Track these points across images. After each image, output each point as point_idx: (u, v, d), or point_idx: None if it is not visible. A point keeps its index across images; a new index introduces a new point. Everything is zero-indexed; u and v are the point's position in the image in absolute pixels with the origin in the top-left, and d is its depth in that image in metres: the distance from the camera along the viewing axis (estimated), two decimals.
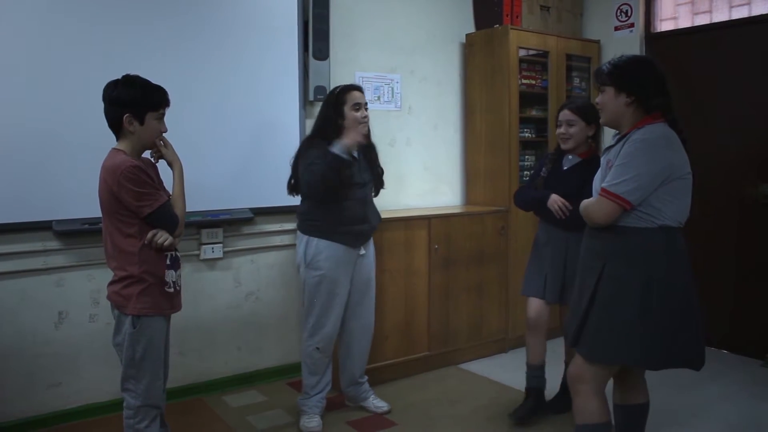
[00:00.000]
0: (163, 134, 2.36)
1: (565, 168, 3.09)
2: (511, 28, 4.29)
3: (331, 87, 3.76)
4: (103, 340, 3.14)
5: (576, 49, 4.71)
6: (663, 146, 2.14)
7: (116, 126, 2.27)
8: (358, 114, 3.02)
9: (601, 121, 2.37)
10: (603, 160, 2.32)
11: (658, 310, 2.12)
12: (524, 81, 4.45)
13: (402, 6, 4.30)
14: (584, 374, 2.27)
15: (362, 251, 3.17)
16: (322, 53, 3.76)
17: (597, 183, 2.29)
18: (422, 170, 4.46)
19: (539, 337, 3.16)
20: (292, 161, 3.10)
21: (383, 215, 3.39)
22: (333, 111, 3.02)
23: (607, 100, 2.26)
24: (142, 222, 2.23)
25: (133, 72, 2.31)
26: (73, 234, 3.13)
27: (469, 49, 4.57)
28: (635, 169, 2.11)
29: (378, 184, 3.23)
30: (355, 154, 3.09)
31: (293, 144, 3.60)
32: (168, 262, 2.31)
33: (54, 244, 3.13)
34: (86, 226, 3.10)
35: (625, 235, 2.18)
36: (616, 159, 2.19)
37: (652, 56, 4.52)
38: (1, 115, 2.93)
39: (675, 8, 4.62)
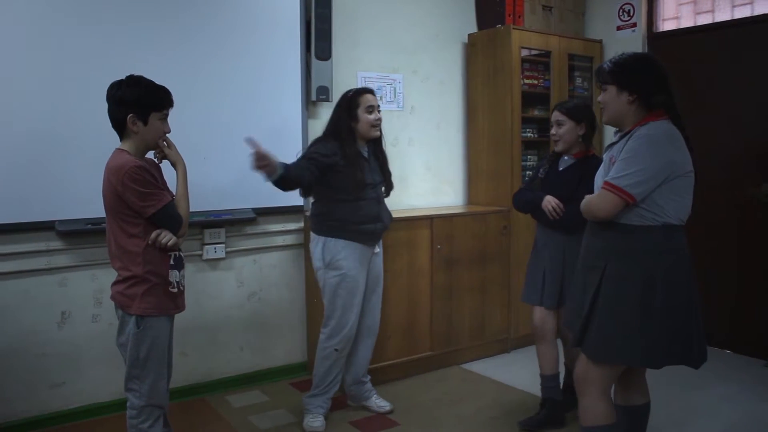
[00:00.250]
0: (167, 135, 2.36)
1: (560, 169, 3.08)
2: (514, 28, 4.29)
3: (334, 87, 3.80)
4: (106, 340, 3.15)
5: (578, 48, 4.71)
6: (666, 143, 2.13)
7: (120, 126, 2.27)
8: (371, 117, 3.06)
9: (603, 119, 2.37)
10: (606, 156, 2.31)
11: (660, 308, 2.12)
12: (526, 81, 4.45)
13: (404, 6, 4.30)
14: (590, 375, 2.26)
15: (377, 249, 3.21)
16: (325, 53, 3.76)
17: (599, 179, 2.28)
18: (424, 170, 4.47)
19: (547, 346, 3.10)
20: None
21: None
22: (346, 113, 3.05)
23: (609, 98, 2.25)
24: (146, 222, 2.23)
25: (135, 72, 2.31)
26: (76, 234, 3.14)
27: (472, 49, 4.57)
28: (639, 163, 2.11)
29: (388, 185, 3.24)
30: (366, 155, 3.11)
31: (296, 144, 3.62)
32: (172, 262, 2.31)
33: (57, 244, 3.13)
34: (89, 226, 3.11)
35: (627, 233, 2.17)
36: (619, 155, 2.19)
37: (654, 54, 4.52)
38: (4, 115, 2.93)
39: (677, 8, 4.61)
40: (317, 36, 3.73)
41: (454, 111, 4.61)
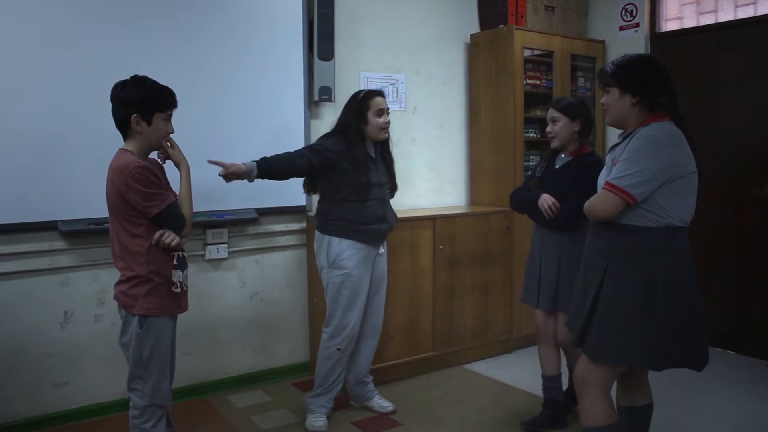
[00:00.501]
0: (170, 135, 2.36)
1: (557, 167, 3.06)
2: (516, 28, 4.28)
3: (336, 87, 3.80)
4: (109, 340, 3.15)
5: (581, 49, 4.70)
6: (668, 144, 2.13)
7: (124, 126, 2.27)
8: (381, 120, 3.07)
9: (606, 121, 2.37)
10: (608, 157, 2.31)
11: (661, 308, 2.12)
12: (529, 81, 4.45)
13: (407, 6, 4.29)
14: (591, 376, 2.26)
15: (381, 250, 3.21)
16: (327, 54, 3.76)
17: (602, 180, 2.28)
18: (427, 170, 4.46)
19: (549, 347, 3.10)
20: None
21: None
22: (356, 116, 3.05)
23: (612, 100, 2.25)
24: (149, 222, 2.24)
25: (137, 72, 2.31)
26: (79, 234, 3.14)
27: (474, 49, 4.57)
28: (640, 164, 2.10)
29: (392, 186, 3.25)
30: (373, 155, 3.11)
31: (298, 144, 3.62)
32: (175, 262, 2.31)
33: (60, 244, 3.14)
34: (92, 226, 3.11)
35: (629, 234, 2.17)
36: (621, 155, 2.19)
37: (656, 55, 4.51)
38: (7, 115, 2.93)
39: (680, 8, 4.61)
40: (320, 36, 3.73)
41: (456, 111, 4.61)
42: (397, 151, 4.18)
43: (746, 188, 4.11)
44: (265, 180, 2.93)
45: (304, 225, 3.87)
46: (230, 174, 2.75)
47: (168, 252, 2.29)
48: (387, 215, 3.16)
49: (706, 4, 4.45)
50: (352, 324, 3.12)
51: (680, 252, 2.17)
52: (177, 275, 2.32)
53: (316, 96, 3.77)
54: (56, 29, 3.04)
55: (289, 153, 2.93)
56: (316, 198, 3.31)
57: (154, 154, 2.39)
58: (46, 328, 3.13)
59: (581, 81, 4.79)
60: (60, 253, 3.15)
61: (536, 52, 4.54)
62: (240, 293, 3.71)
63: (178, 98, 2.35)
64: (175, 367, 2.48)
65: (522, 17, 4.48)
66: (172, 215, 2.25)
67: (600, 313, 2.20)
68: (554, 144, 3.03)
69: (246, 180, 2.82)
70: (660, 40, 4.67)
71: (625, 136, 2.24)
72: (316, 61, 3.74)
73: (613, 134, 4.58)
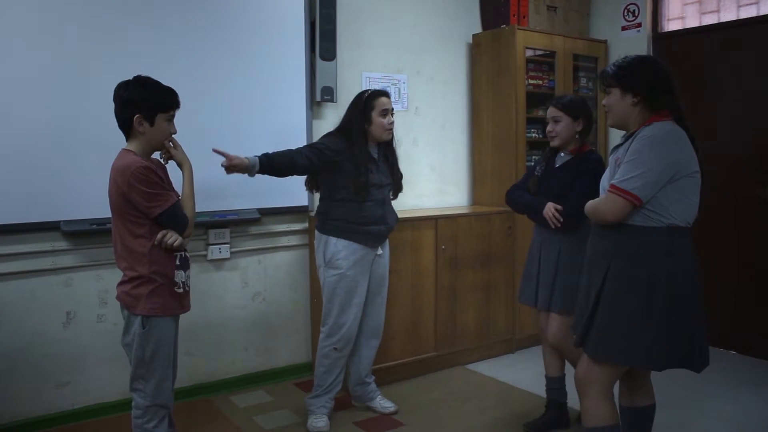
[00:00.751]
0: (173, 135, 2.36)
1: (557, 166, 3.03)
2: (518, 29, 4.28)
3: (338, 88, 3.80)
4: (111, 340, 3.15)
5: (583, 49, 4.70)
6: (670, 143, 2.14)
7: (126, 126, 2.28)
8: (385, 120, 3.07)
9: (608, 122, 2.37)
10: (611, 158, 2.31)
11: (662, 309, 2.12)
12: (531, 81, 4.45)
13: (409, 6, 4.29)
14: (591, 376, 2.26)
15: (380, 251, 3.20)
16: (329, 54, 3.76)
17: (605, 181, 2.28)
18: (429, 170, 4.46)
19: (550, 347, 3.08)
20: None
21: None
22: (360, 115, 3.05)
23: (614, 101, 2.26)
24: (152, 222, 2.24)
25: (138, 73, 2.32)
26: (81, 234, 3.14)
27: (476, 49, 4.56)
28: (644, 165, 2.11)
29: (397, 187, 3.24)
30: (375, 156, 3.11)
31: (301, 144, 3.61)
32: (177, 262, 2.31)
33: (62, 244, 3.14)
34: (94, 226, 3.11)
35: (631, 234, 2.17)
36: (624, 157, 2.19)
37: (658, 56, 4.51)
38: (9, 116, 2.93)
39: (682, 8, 4.60)
40: (322, 36, 3.73)
41: (458, 111, 4.61)
42: (399, 151, 4.17)
43: (749, 188, 4.11)
44: (268, 180, 2.94)
45: (306, 225, 3.87)
46: (232, 166, 2.73)
47: (171, 252, 2.29)
48: (386, 216, 3.15)
49: (708, 4, 4.44)
50: (348, 324, 3.11)
51: (682, 253, 2.17)
52: (179, 275, 2.32)
53: (318, 96, 3.77)
54: (57, 29, 3.04)
55: (290, 150, 2.93)
56: (317, 198, 3.31)
57: (156, 155, 2.40)
58: (48, 328, 3.14)
59: (583, 81, 4.78)
60: (62, 254, 3.15)
61: (538, 52, 4.54)
62: (242, 293, 3.71)
63: (180, 98, 2.35)
64: (178, 367, 2.48)
65: (524, 17, 4.48)
66: (174, 215, 2.26)
67: (601, 313, 2.20)
68: (555, 143, 2.99)
69: (247, 174, 2.81)
70: (662, 39, 4.66)
71: (628, 137, 2.25)
72: (318, 62, 3.74)
73: (615, 135, 4.57)
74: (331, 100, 3.79)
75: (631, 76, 2.22)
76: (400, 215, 3.34)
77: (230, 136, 3.47)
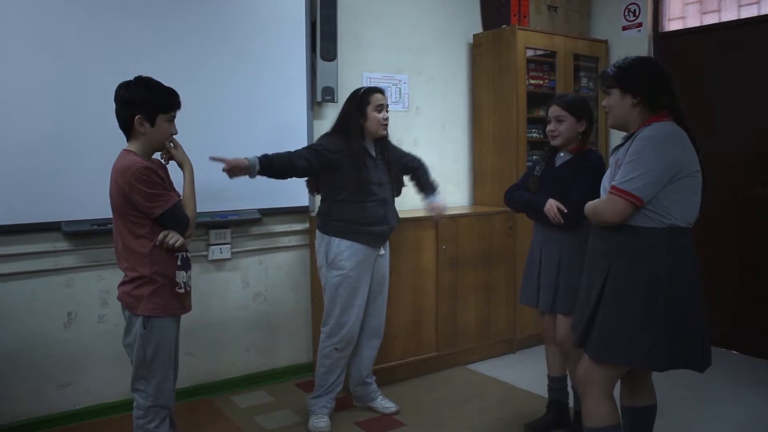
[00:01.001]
0: (173, 136, 2.36)
1: (557, 165, 3.00)
2: (519, 29, 4.28)
3: (339, 88, 3.80)
4: (112, 341, 3.15)
5: (584, 49, 4.70)
6: (671, 143, 2.13)
7: (127, 127, 2.28)
8: (380, 115, 3.08)
9: (609, 123, 2.37)
10: (612, 159, 2.31)
11: (663, 310, 2.11)
12: (532, 81, 4.45)
13: (409, 6, 4.29)
14: (592, 376, 2.25)
15: (381, 251, 3.20)
16: (330, 54, 3.76)
17: (606, 182, 2.28)
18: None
19: (553, 347, 3.07)
20: None
21: None
22: (356, 111, 3.07)
23: (614, 102, 2.26)
24: (153, 223, 2.24)
25: (139, 73, 2.32)
26: (82, 235, 3.14)
27: (477, 49, 4.56)
28: (644, 165, 2.10)
29: (397, 185, 3.24)
30: (373, 154, 3.11)
31: (301, 144, 3.60)
32: (179, 262, 2.31)
33: (63, 244, 3.14)
34: (95, 226, 3.11)
35: (632, 235, 2.17)
36: (624, 157, 2.19)
37: (659, 56, 4.52)
38: (10, 116, 2.94)
39: (683, 7, 4.60)
40: (322, 37, 3.73)
41: (459, 111, 4.61)
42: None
43: (749, 188, 4.11)
44: (268, 180, 2.94)
45: (306, 225, 3.87)
46: (234, 168, 2.74)
47: (172, 253, 2.29)
48: (388, 216, 3.15)
49: (709, 4, 4.44)
50: (350, 324, 3.12)
51: (683, 253, 2.17)
52: (181, 276, 2.32)
53: (318, 96, 3.77)
54: (57, 29, 3.04)
55: (289, 152, 2.94)
56: (318, 198, 3.31)
57: (157, 155, 2.40)
58: (49, 329, 3.14)
59: (584, 81, 4.78)
60: (63, 254, 3.15)
61: (539, 52, 4.54)
62: (243, 294, 3.71)
63: (181, 98, 2.35)
64: (179, 367, 2.48)
65: (525, 17, 4.48)
66: (175, 216, 2.26)
67: (602, 314, 2.20)
68: (556, 143, 2.96)
69: (248, 176, 2.82)
70: (663, 39, 4.66)
71: (628, 138, 2.25)
72: (319, 62, 3.74)
73: (615, 135, 4.57)
74: (332, 101, 3.79)
75: (631, 77, 2.22)
76: (401, 215, 3.34)
77: (230, 136, 3.47)
